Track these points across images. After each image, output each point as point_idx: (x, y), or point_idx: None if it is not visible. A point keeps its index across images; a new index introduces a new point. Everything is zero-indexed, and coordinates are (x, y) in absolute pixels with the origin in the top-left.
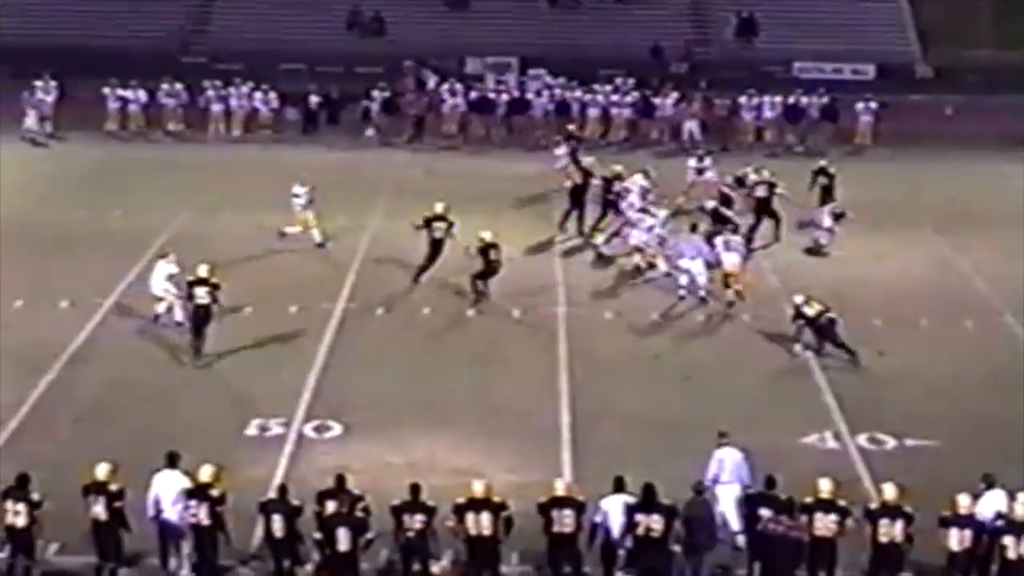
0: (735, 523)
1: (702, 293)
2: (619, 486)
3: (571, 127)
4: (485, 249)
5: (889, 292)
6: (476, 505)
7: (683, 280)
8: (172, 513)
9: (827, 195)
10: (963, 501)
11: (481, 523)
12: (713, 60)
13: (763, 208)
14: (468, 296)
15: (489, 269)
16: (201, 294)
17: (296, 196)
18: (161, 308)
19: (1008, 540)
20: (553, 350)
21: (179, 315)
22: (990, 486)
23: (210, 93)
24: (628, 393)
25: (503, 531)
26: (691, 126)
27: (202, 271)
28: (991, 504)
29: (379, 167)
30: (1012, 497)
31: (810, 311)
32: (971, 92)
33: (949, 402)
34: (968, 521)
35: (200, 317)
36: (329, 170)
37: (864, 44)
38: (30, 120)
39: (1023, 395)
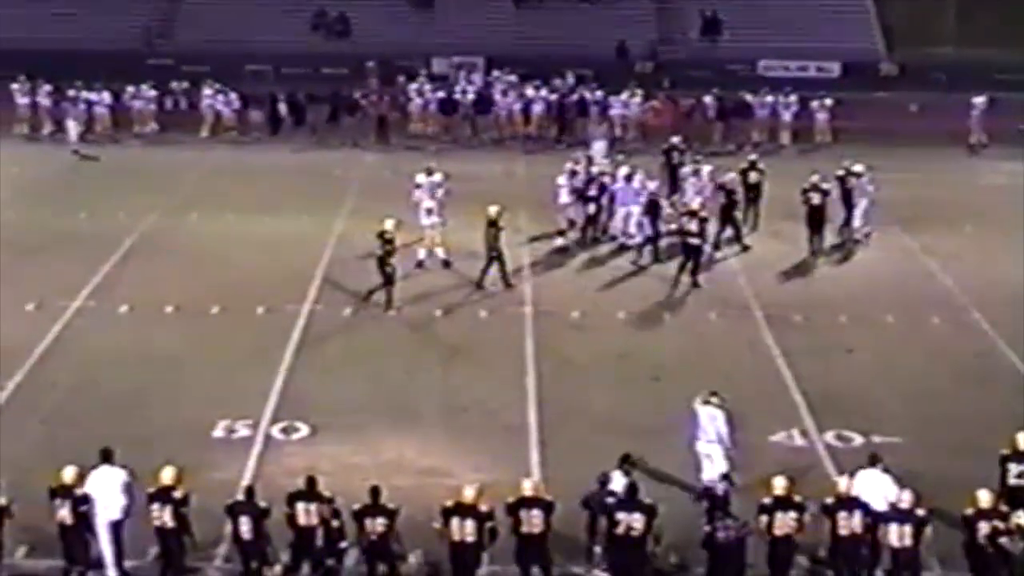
0: (711, 470)
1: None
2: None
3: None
4: None
5: (856, 289)
6: (462, 511)
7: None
8: (112, 510)
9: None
10: (904, 496)
11: (465, 529)
12: (678, 59)
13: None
14: (434, 297)
15: None
16: (376, 246)
17: (428, 212)
18: (422, 253)
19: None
20: (520, 350)
21: (441, 253)
22: (873, 463)
23: (179, 95)
24: (596, 392)
25: (487, 540)
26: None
27: (387, 224)
28: (873, 485)
29: (346, 168)
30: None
31: (691, 224)
32: (936, 89)
33: (916, 399)
34: (906, 516)
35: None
36: (295, 171)
37: (829, 42)
38: (72, 132)
39: (989, 391)
